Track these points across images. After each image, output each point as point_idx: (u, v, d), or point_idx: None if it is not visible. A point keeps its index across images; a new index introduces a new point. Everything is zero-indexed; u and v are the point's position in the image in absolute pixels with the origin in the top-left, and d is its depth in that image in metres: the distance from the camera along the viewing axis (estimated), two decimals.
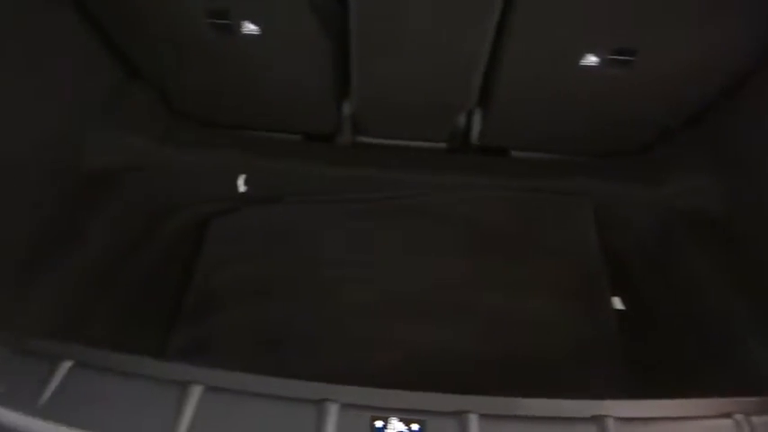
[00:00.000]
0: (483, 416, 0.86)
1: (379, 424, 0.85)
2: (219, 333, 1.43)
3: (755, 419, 0.88)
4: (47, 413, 0.86)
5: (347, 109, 1.72)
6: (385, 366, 1.35)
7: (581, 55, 1.41)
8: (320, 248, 1.58)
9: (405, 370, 1.35)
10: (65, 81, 1.47)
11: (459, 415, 0.86)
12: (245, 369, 0.90)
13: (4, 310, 1.19)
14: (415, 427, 0.85)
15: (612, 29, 1.36)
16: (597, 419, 0.86)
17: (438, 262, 1.56)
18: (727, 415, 0.88)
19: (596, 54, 1.41)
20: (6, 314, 1.18)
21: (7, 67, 1.28)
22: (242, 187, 1.71)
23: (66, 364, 0.91)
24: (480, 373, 1.35)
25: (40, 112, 1.39)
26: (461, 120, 1.73)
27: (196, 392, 0.87)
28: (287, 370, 0.91)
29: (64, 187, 1.45)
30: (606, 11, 1.31)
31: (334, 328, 1.43)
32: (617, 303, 1.54)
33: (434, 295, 1.49)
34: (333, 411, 0.86)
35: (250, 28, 1.45)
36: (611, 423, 0.86)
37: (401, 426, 0.85)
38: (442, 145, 1.81)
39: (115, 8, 1.48)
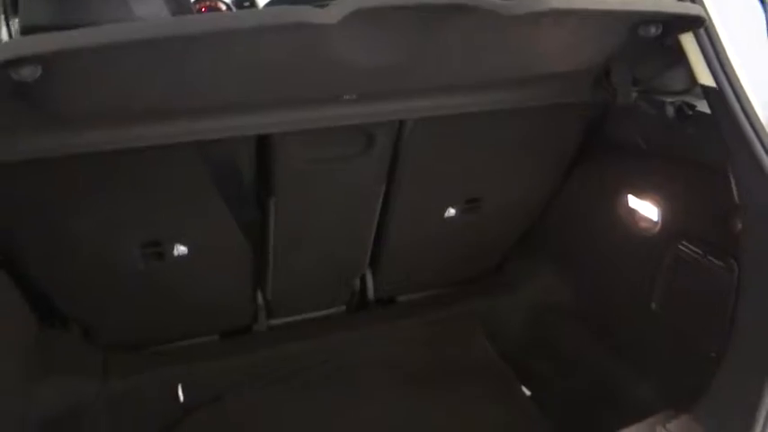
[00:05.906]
0: None
1: None
2: None
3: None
4: None
5: (261, 299, 1.95)
6: None
7: (445, 210, 1.87)
8: None
9: None
10: None
11: None
12: None
13: None
14: None
15: (465, 187, 1.84)
16: None
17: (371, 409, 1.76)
18: None
19: (454, 207, 1.87)
20: None
21: None
22: (182, 397, 1.80)
23: None
24: None
25: None
26: (357, 283, 2.06)
27: None
28: None
29: None
30: (460, 177, 1.79)
31: None
32: (526, 391, 1.90)
33: None
34: None
35: (180, 250, 1.65)
36: None
37: None
38: (343, 308, 2.11)
39: (39, 250, 1.52)
